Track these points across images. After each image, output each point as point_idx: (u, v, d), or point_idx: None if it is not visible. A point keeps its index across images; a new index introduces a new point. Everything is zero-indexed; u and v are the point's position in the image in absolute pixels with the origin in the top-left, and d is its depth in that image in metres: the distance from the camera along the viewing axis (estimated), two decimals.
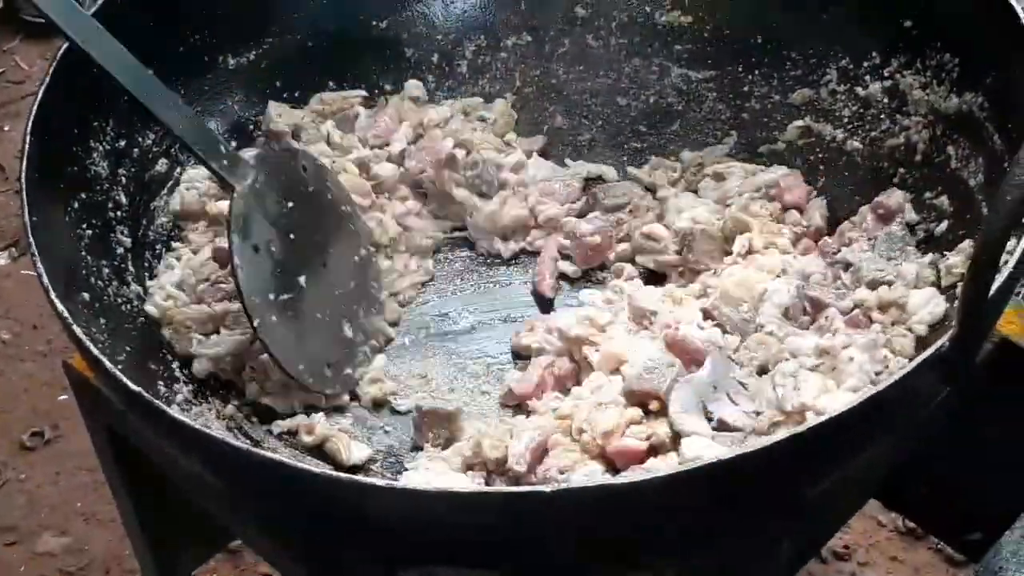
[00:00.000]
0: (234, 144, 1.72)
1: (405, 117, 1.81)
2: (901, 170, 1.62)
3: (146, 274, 1.58)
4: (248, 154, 1.56)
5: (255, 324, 1.48)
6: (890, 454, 1.38)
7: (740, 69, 1.79)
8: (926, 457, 1.48)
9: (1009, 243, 1.24)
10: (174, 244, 1.65)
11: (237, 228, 1.49)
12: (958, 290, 1.44)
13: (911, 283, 1.48)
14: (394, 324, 1.69)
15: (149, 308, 1.55)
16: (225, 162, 1.50)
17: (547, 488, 1.10)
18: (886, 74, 1.65)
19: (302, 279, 1.55)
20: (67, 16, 1.43)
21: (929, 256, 1.51)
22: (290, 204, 1.56)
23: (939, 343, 1.16)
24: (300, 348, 1.53)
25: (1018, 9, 1.44)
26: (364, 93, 1.83)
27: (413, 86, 1.85)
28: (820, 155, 1.72)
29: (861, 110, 1.69)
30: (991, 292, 1.13)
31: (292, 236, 1.55)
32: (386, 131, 1.80)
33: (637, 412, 1.45)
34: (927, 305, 1.44)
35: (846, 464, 1.25)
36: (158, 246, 1.62)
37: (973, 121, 1.52)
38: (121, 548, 2.34)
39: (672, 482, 1.10)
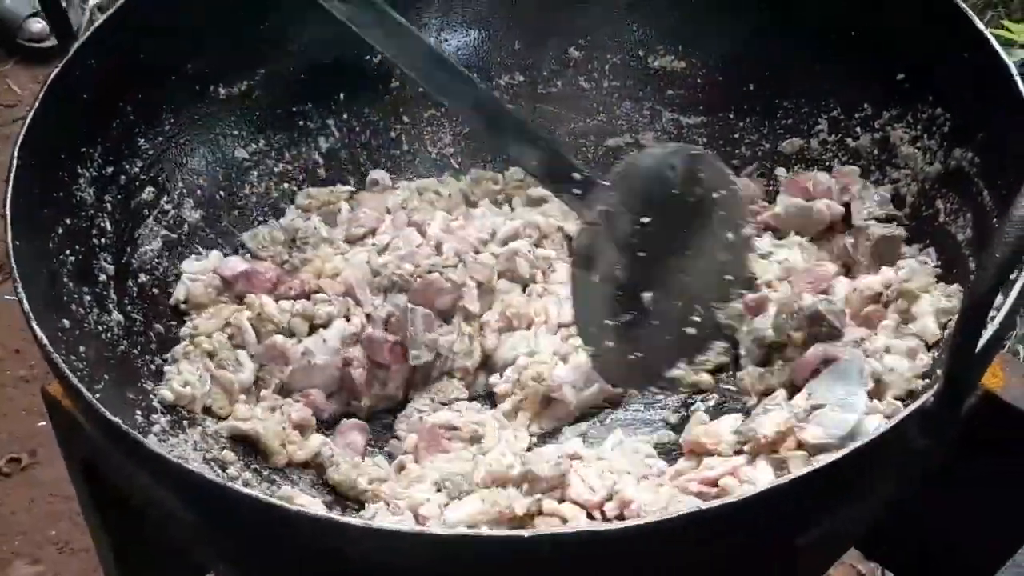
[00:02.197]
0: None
1: (368, 205, 1.78)
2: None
3: (127, 303, 1.56)
4: (613, 171, 1.53)
5: (589, 352, 1.49)
6: (871, 506, 1.37)
7: (731, 116, 1.80)
8: (907, 508, 1.47)
9: (996, 299, 1.24)
10: (182, 336, 1.61)
11: (580, 262, 1.49)
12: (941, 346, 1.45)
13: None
14: None
15: (165, 393, 1.51)
16: (577, 190, 1.49)
17: (525, 533, 1.09)
18: (877, 126, 1.66)
19: (647, 296, 1.52)
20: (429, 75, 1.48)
21: None
22: (644, 221, 1.51)
23: (924, 398, 1.15)
24: (633, 364, 1.52)
25: (1011, 66, 1.44)
26: (351, 188, 1.81)
27: (376, 175, 1.83)
28: None
29: (851, 161, 1.69)
30: (978, 348, 1.13)
31: (643, 253, 1.51)
32: (369, 221, 1.76)
33: None
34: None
35: (825, 517, 1.24)
36: (141, 275, 1.61)
37: (963, 176, 1.53)
38: None
39: (656, 530, 1.09)
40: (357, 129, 1.85)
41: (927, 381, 1.43)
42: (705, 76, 1.82)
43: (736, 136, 1.79)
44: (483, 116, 1.49)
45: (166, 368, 1.55)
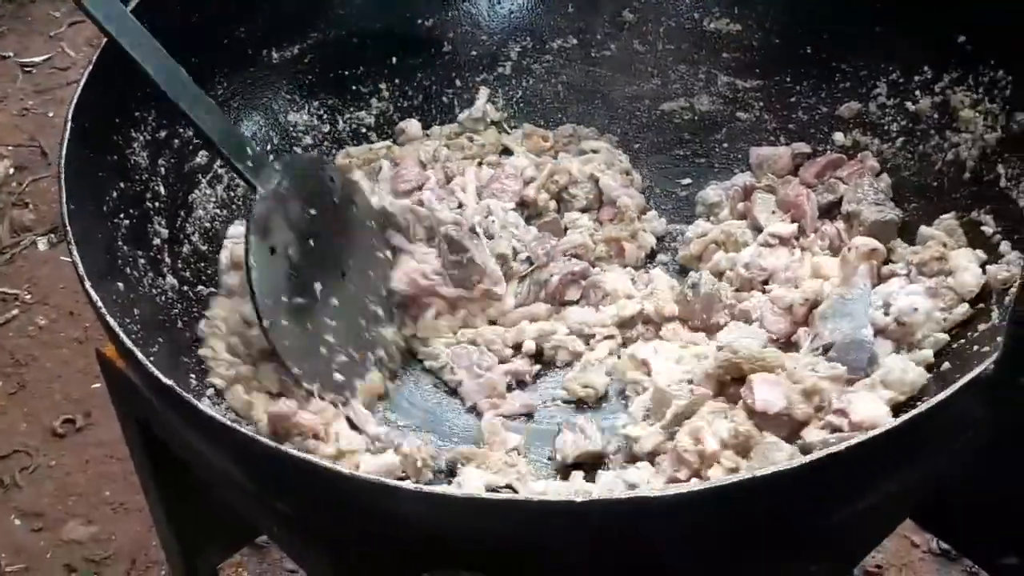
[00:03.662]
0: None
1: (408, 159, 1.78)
2: (949, 187, 1.59)
3: (180, 267, 1.57)
4: (277, 159, 1.55)
5: (264, 324, 1.47)
6: (928, 476, 1.35)
7: (788, 79, 1.77)
8: (963, 478, 1.45)
9: None
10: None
11: (256, 229, 1.48)
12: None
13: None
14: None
15: (215, 381, 1.50)
16: (251, 163, 1.51)
17: (578, 498, 1.08)
18: (937, 89, 1.63)
19: (317, 286, 1.55)
20: (105, 9, 1.43)
21: None
22: (312, 211, 1.56)
23: (983, 366, 1.14)
24: (307, 352, 1.51)
25: None
26: (389, 143, 1.81)
27: (404, 125, 1.83)
28: None
29: (910, 125, 1.66)
30: None
31: (312, 242, 1.55)
32: (417, 177, 1.75)
33: None
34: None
35: (880, 486, 1.23)
36: (194, 239, 1.61)
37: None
38: (147, 538, 2.33)
39: (703, 497, 1.09)
40: (409, 93, 1.85)
41: (978, 332, 1.42)
42: (761, 39, 1.80)
43: (792, 100, 1.77)
44: (163, 75, 1.46)
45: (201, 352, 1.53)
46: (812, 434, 1.36)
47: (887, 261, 1.57)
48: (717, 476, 1.33)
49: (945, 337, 1.44)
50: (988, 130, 1.56)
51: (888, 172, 1.66)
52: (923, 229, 1.56)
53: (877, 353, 1.43)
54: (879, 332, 1.46)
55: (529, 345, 1.61)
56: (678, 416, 1.42)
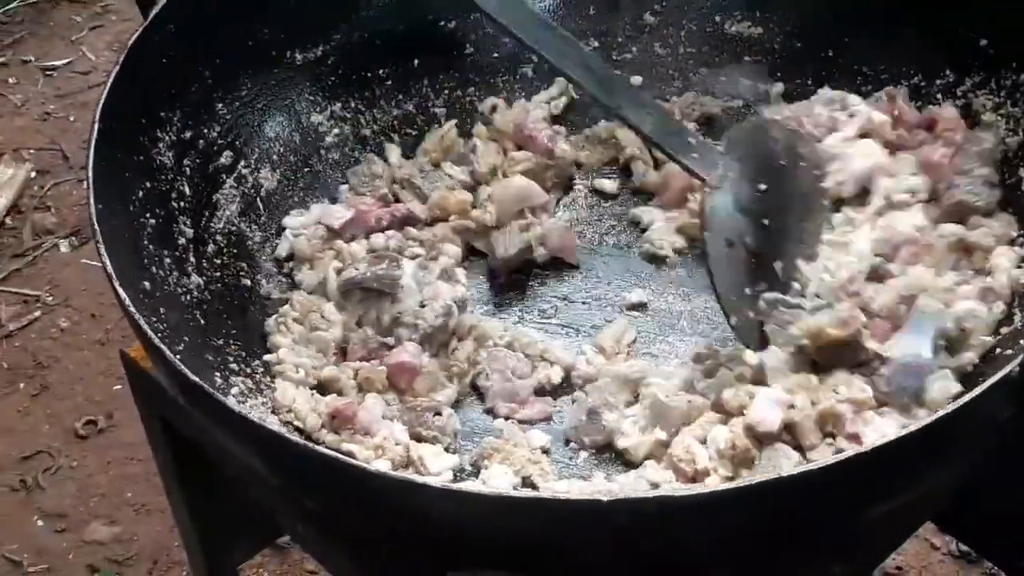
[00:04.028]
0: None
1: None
2: None
3: (205, 266, 1.57)
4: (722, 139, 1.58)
5: (732, 323, 1.46)
6: (952, 477, 1.35)
7: (809, 82, 1.77)
8: (984, 480, 1.45)
9: None
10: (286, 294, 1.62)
11: (709, 224, 1.49)
12: None
13: None
14: None
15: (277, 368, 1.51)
16: (695, 155, 1.52)
17: (603, 497, 1.09)
18: (959, 93, 1.63)
19: (778, 266, 1.50)
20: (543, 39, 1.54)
21: None
22: (763, 187, 1.54)
23: (1010, 366, 1.14)
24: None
25: None
26: (455, 121, 1.81)
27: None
28: None
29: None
30: None
31: (767, 221, 1.52)
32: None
33: None
34: None
35: (907, 487, 1.23)
36: (219, 238, 1.62)
37: None
38: (169, 539, 2.35)
39: (730, 496, 1.09)
40: (431, 95, 1.85)
41: (1001, 336, 1.41)
42: (782, 42, 1.80)
43: None
44: (594, 78, 1.50)
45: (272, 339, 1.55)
46: (816, 454, 1.34)
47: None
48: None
49: (991, 340, 1.41)
50: (1010, 134, 1.56)
51: None
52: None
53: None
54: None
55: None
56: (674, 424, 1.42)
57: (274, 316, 1.57)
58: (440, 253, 1.65)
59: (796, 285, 1.49)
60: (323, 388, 1.51)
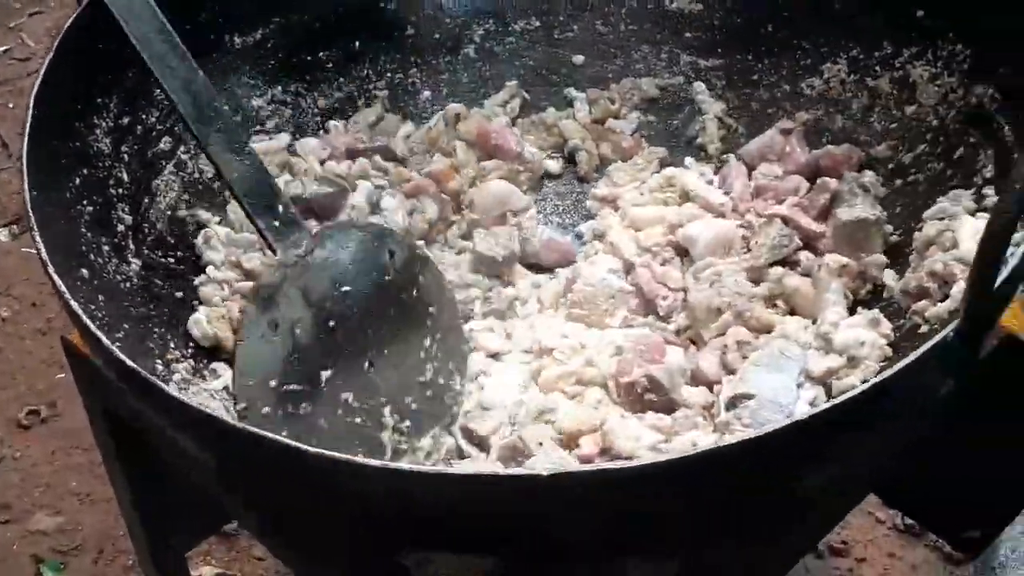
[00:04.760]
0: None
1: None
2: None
3: (145, 253, 1.56)
4: (322, 226, 1.45)
5: (238, 407, 1.35)
6: (890, 447, 1.36)
7: (750, 57, 1.78)
8: (926, 453, 1.46)
9: (1017, 234, 1.23)
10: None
11: (259, 298, 1.36)
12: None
13: None
14: None
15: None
16: (276, 223, 1.38)
17: (544, 472, 1.09)
18: (896, 64, 1.64)
19: (325, 375, 1.39)
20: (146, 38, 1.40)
21: None
22: (346, 288, 1.41)
23: (944, 333, 1.15)
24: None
25: None
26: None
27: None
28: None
29: (871, 101, 1.67)
30: (997, 283, 1.12)
31: (332, 324, 1.40)
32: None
33: None
34: None
35: (844, 456, 1.24)
36: (159, 225, 1.60)
37: (983, 113, 1.51)
38: (115, 528, 2.32)
39: (667, 469, 1.09)
40: (373, 77, 1.84)
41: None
42: (722, 17, 1.81)
43: (755, 78, 1.78)
44: (194, 104, 1.38)
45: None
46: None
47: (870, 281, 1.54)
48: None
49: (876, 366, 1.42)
50: (947, 104, 1.57)
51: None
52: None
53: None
54: (811, 379, 1.44)
55: None
56: None
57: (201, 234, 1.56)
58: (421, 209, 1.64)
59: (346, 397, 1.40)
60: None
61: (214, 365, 1.49)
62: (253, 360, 1.34)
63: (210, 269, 1.56)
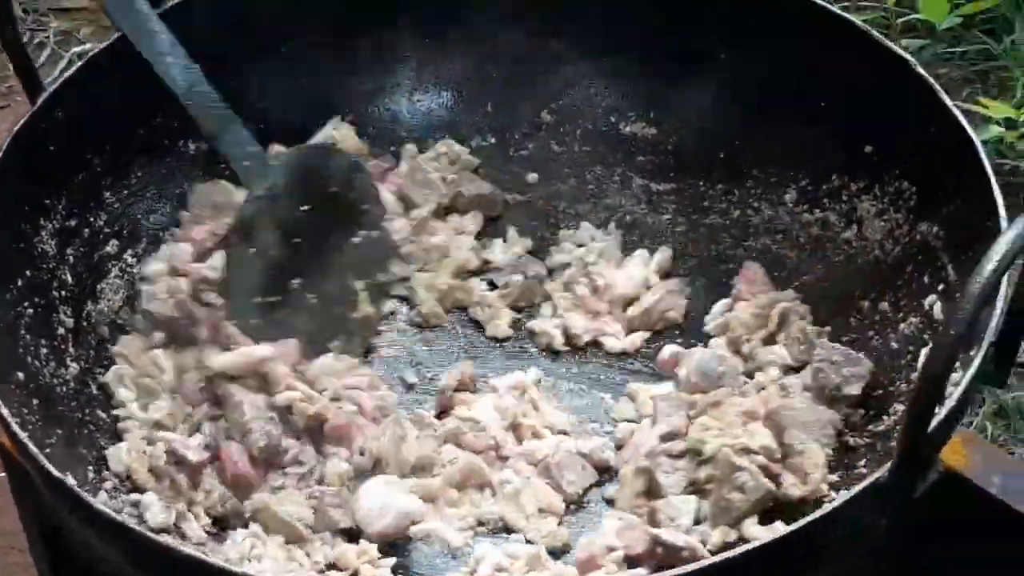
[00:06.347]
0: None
1: None
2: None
3: (83, 357, 1.55)
4: (278, 155, 1.65)
5: (236, 324, 1.53)
6: None
7: (701, 183, 1.79)
8: None
9: (955, 375, 1.24)
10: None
11: (238, 232, 1.56)
12: None
13: None
14: None
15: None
16: (247, 163, 1.57)
17: None
18: (844, 197, 1.66)
19: (295, 282, 1.60)
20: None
21: None
22: (306, 207, 1.60)
23: (879, 473, 1.14)
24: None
25: (977, 142, 1.45)
26: None
27: None
28: (777, 275, 1.70)
29: (819, 232, 1.69)
30: (932, 426, 1.12)
31: (299, 239, 1.59)
32: None
33: None
34: None
35: None
36: (101, 329, 1.59)
37: (929, 251, 1.53)
38: None
39: None
40: None
41: None
42: (676, 143, 1.82)
43: (706, 204, 1.78)
44: (182, 77, 1.57)
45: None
46: None
47: None
48: None
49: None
50: (893, 239, 1.59)
51: (796, 277, 1.68)
52: None
53: None
54: None
55: None
56: None
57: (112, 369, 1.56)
58: None
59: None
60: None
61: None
62: (239, 285, 1.56)
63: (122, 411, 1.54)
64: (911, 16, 2.68)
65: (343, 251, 1.64)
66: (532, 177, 1.86)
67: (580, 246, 1.77)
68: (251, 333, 1.54)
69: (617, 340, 1.67)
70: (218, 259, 1.63)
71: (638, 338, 1.68)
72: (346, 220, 1.65)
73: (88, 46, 2.88)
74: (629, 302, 1.70)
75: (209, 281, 1.60)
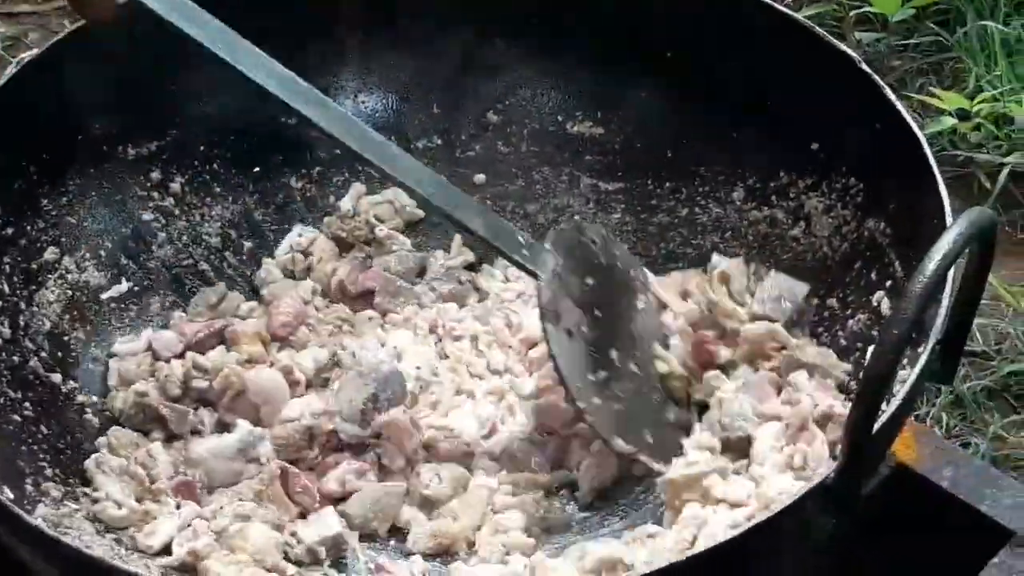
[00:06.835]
0: None
1: None
2: None
3: (21, 368, 1.52)
4: (544, 238, 1.60)
5: (582, 407, 1.49)
6: None
7: (649, 182, 1.78)
8: None
9: (901, 372, 1.23)
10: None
11: (549, 317, 1.51)
12: None
13: None
14: None
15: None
16: (525, 252, 1.54)
17: None
18: (792, 194, 1.65)
19: (614, 354, 1.55)
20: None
21: None
22: (589, 281, 1.58)
23: (825, 474, 1.14)
24: (625, 423, 1.52)
25: (921, 138, 1.45)
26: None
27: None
28: None
29: (767, 229, 1.68)
30: (879, 424, 1.11)
31: (598, 312, 1.57)
32: None
33: None
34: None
35: None
36: (39, 338, 1.57)
37: (875, 247, 1.52)
38: None
39: None
40: (273, 190, 1.82)
41: None
42: (623, 142, 1.81)
43: (654, 203, 1.78)
44: (432, 188, 1.54)
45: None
46: None
47: None
48: None
49: None
50: (841, 235, 1.58)
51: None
52: None
53: None
54: None
55: None
56: None
57: (93, 456, 1.51)
58: None
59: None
60: None
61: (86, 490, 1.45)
62: (570, 367, 1.51)
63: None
64: (864, 9, 2.69)
65: (635, 319, 1.62)
66: (479, 178, 1.84)
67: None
68: (596, 416, 1.50)
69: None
70: (217, 353, 1.61)
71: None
72: (624, 288, 1.63)
73: (36, 51, 2.83)
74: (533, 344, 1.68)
75: (201, 367, 1.57)
